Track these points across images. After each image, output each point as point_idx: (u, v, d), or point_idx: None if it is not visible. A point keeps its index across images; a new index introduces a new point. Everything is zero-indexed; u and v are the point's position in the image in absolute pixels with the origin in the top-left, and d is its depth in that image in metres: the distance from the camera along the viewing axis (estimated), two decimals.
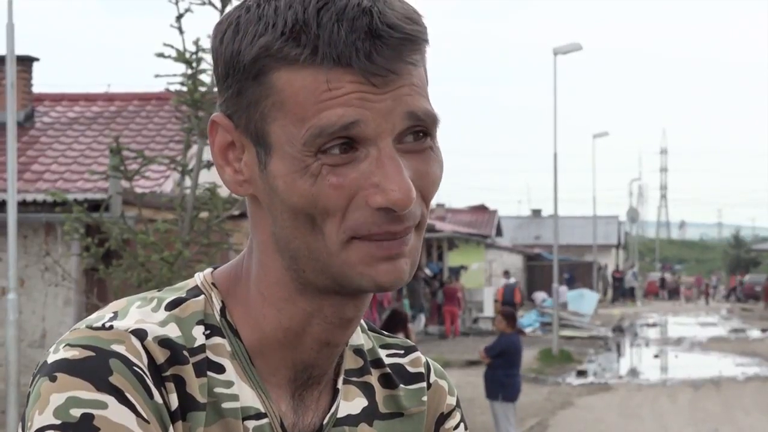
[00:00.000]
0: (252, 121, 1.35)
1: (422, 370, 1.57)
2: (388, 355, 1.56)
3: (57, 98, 20.15)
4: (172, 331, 1.36)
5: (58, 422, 1.26)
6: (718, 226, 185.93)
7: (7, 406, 12.44)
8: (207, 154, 11.23)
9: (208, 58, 10.86)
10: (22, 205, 14.82)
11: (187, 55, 10.77)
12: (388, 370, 1.54)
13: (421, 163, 1.34)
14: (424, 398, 1.56)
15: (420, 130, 1.34)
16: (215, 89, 11.14)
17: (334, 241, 1.33)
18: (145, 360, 1.32)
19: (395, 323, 13.12)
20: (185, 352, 1.35)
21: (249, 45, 1.33)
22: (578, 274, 57.27)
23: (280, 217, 1.35)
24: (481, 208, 60.09)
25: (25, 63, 19.00)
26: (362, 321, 1.55)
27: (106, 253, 11.14)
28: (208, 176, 11.57)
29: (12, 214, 12.53)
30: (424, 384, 1.57)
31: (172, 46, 10.77)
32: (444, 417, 1.59)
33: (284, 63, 1.31)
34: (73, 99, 20.15)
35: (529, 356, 24.04)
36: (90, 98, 20.13)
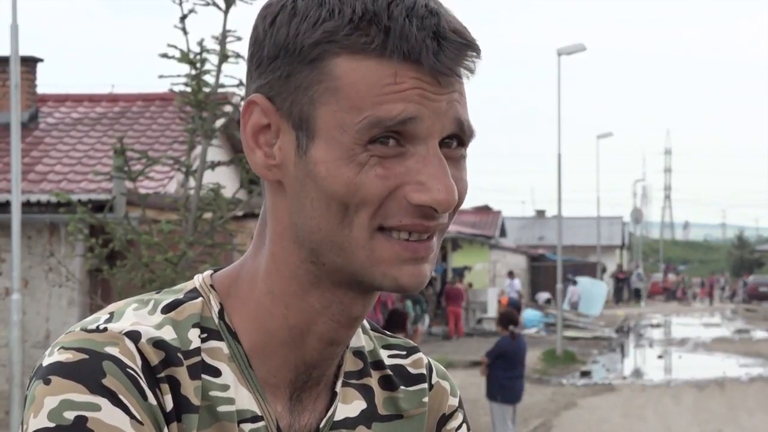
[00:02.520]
0: (298, 104, 1.34)
1: (424, 371, 1.57)
2: (390, 356, 1.56)
3: (61, 99, 20.16)
4: (167, 334, 1.36)
5: (53, 425, 1.27)
6: (722, 226, 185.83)
7: (11, 407, 12.45)
8: (211, 155, 11.25)
9: (212, 58, 10.87)
10: (26, 205, 14.82)
11: (191, 56, 10.78)
12: (389, 371, 1.54)
13: (456, 170, 1.36)
14: (425, 399, 1.55)
15: (459, 139, 1.36)
16: (219, 90, 11.20)
17: (364, 231, 1.32)
18: (139, 362, 1.32)
19: (394, 323, 13.10)
20: (179, 354, 1.35)
21: (310, 29, 1.32)
22: (582, 274, 57.20)
23: (310, 205, 1.34)
24: (485, 209, 60.06)
25: (29, 64, 19.00)
26: (365, 321, 1.55)
27: (110, 254, 11.15)
28: (212, 177, 11.58)
29: (16, 214, 12.53)
30: (426, 385, 1.56)
31: (176, 47, 10.79)
32: (446, 418, 1.59)
33: (348, 51, 1.31)
34: (77, 99, 20.16)
35: (532, 357, 24.04)
36: (94, 99, 20.13)
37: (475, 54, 1.34)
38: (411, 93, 1.31)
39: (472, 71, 1.35)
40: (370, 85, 1.31)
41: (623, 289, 66.60)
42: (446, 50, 1.31)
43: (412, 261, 1.34)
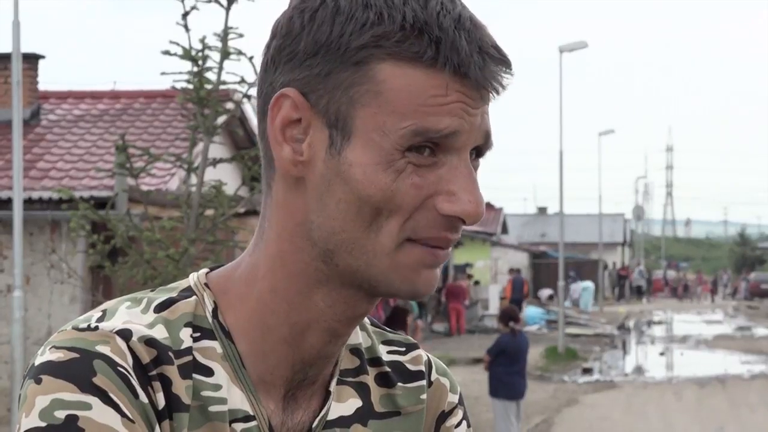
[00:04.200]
0: (335, 103, 1.32)
1: (422, 368, 1.57)
2: (389, 352, 1.56)
3: (63, 96, 20.16)
4: (159, 333, 1.36)
5: (44, 424, 1.27)
6: (723, 223, 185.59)
7: (13, 404, 12.46)
8: (213, 152, 11.23)
9: (214, 55, 10.87)
10: (28, 202, 14.82)
11: (193, 53, 10.77)
12: (387, 368, 1.54)
13: None
14: (423, 396, 1.55)
15: (479, 150, 1.37)
16: (221, 87, 11.15)
17: (393, 239, 1.32)
18: (130, 360, 1.32)
19: (396, 320, 13.11)
20: (170, 353, 1.35)
21: (357, 31, 1.31)
22: (584, 271, 57.16)
23: (335, 206, 1.33)
24: (487, 206, 59.87)
25: (31, 60, 18.98)
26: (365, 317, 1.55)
27: (111, 251, 11.14)
28: (214, 174, 11.58)
29: (18, 211, 12.52)
30: (424, 382, 1.56)
31: (178, 44, 10.78)
32: (445, 415, 1.58)
33: (395, 58, 1.31)
34: (79, 96, 20.16)
35: (534, 354, 24.04)
36: (96, 96, 20.14)
37: (509, 71, 1.35)
38: (455, 106, 1.31)
39: (504, 88, 1.36)
40: (416, 93, 1.30)
41: (625, 286, 66.58)
42: (489, 65, 1.32)
43: (431, 266, 1.35)
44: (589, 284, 48.35)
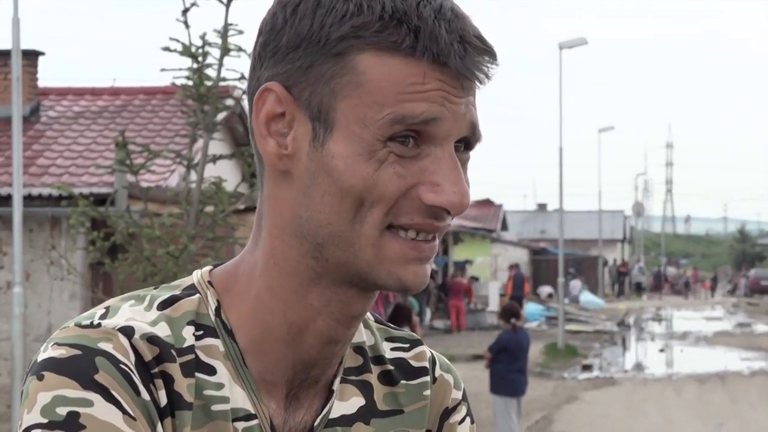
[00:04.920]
0: (317, 95, 1.33)
1: (426, 364, 1.56)
2: (393, 349, 1.55)
3: (62, 92, 20.15)
4: (162, 330, 1.35)
5: (45, 421, 1.27)
6: (723, 220, 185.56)
7: (13, 401, 12.45)
8: (212, 148, 11.22)
9: (213, 52, 10.86)
10: (28, 199, 14.81)
11: (193, 49, 10.75)
12: (390, 366, 1.53)
13: (463, 172, 1.36)
14: (426, 393, 1.54)
15: (467, 143, 1.37)
16: (221, 83, 11.13)
17: (374, 227, 1.32)
18: (133, 358, 1.32)
19: (400, 317, 13.08)
20: (173, 351, 1.35)
21: (338, 22, 1.32)
22: (584, 268, 57.19)
23: (321, 199, 1.33)
24: (487, 203, 59.97)
25: (31, 57, 18.96)
26: (369, 314, 1.54)
27: (111, 247, 11.13)
28: (214, 170, 11.58)
29: (17, 208, 12.52)
30: (428, 378, 1.55)
31: (177, 40, 10.76)
32: (449, 411, 1.57)
33: (375, 48, 1.31)
34: (79, 93, 20.15)
35: (534, 351, 24.03)
36: (95, 92, 20.13)
37: (494, 61, 1.35)
38: (434, 94, 1.31)
39: (489, 78, 1.36)
40: (395, 83, 1.31)
41: (624, 283, 66.60)
42: (471, 55, 1.32)
43: (417, 261, 1.34)
44: (597, 300, 48.55)
